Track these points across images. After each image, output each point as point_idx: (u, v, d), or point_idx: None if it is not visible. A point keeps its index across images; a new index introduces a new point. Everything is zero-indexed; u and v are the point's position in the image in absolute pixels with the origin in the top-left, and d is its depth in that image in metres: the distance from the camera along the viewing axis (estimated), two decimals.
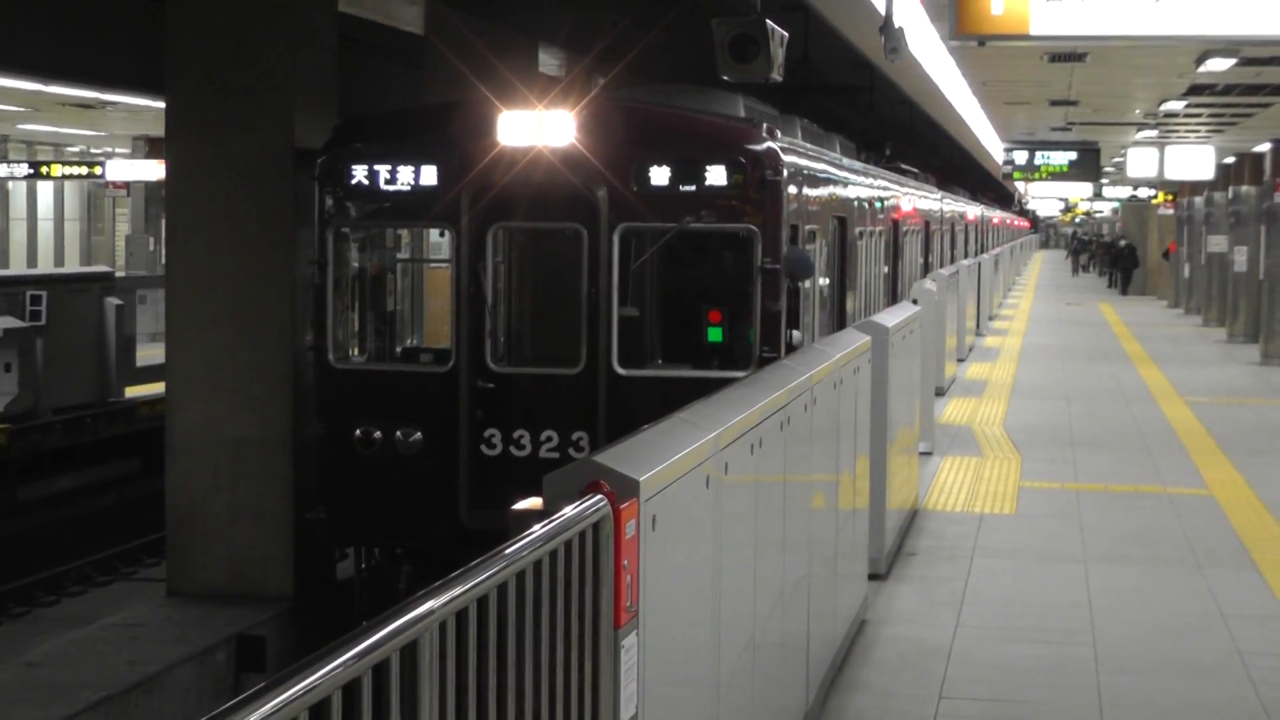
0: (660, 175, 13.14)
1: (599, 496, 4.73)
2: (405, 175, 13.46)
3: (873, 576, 12.12)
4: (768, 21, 13.03)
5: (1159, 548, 14.06)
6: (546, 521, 4.44)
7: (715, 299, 13.86)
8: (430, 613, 3.60)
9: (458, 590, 3.78)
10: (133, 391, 25.63)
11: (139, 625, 13.68)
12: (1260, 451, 19.83)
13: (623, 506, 4.79)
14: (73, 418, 24.04)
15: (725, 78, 13.32)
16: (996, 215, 74.15)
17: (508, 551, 4.13)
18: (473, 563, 4.00)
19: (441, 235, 14.16)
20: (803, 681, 8.67)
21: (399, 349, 14.87)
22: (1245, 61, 20.57)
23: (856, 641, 10.76)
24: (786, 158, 13.52)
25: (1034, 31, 11.15)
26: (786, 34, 13.45)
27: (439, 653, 3.65)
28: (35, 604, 18.67)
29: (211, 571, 14.48)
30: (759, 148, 13.21)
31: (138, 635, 13.37)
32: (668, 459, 5.38)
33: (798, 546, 8.35)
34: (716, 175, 13.11)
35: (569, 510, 4.58)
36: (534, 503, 4.83)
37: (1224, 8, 10.96)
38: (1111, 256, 64.07)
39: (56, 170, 50.81)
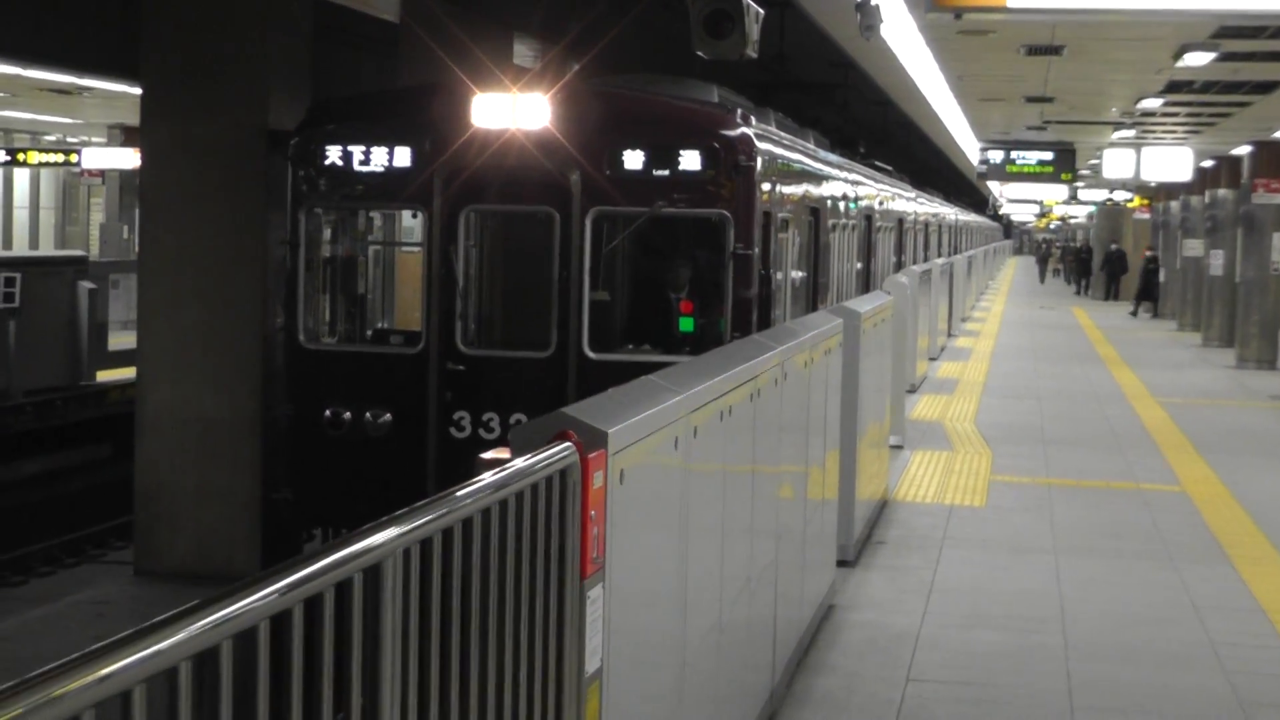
0: (634, 159, 13.08)
1: (567, 444, 4.69)
2: (379, 157, 13.40)
3: (841, 563, 12.11)
4: None
5: (1131, 541, 14.03)
6: (513, 463, 4.40)
7: (687, 284, 13.82)
8: (394, 537, 3.55)
9: (423, 519, 3.73)
10: (104, 375, 25.57)
11: (105, 603, 13.64)
12: (1234, 451, 19.80)
13: (591, 456, 4.75)
14: (44, 400, 23.98)
15: (700, 54, 13.21)
16: (970, 217, 74.24)
17: (472, 488, 4.08)
18: (436, 495, 3.94)
19: (414, 217, 14.12)
20: (769, 662, 8.64)
21: (369, 331, 14.82)
22: (1224, 56, 20.54)
23: (824, 625, 10.73)
24: (761, 144, 13.47)
25: (1011, 4, 11.09)
26: (762, 10, 13.38)
27: (403, 579, 3.60)
28: (2, 584, 18.57)
29: (179, 551, 14.44)
30: (733, 133, 13.16)
31: (104, 613, 13.33)
32: (637, 415, 5.34)
33: (766, 530, 8.31)
34: (690, 160, 13.05)
35: (536, 455, 4.54)
36: (502, 452, 4.79)
37: None
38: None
39: (33, 158, 50.57)
